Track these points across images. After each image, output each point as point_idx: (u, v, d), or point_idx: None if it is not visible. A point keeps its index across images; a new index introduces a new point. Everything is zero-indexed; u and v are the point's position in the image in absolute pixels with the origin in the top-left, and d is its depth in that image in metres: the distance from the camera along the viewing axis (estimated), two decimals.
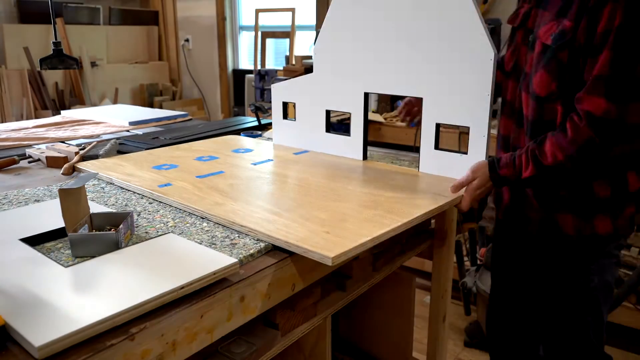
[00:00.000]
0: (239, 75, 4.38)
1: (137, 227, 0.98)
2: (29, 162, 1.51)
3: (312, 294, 1.04)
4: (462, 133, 2.45)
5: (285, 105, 1.62)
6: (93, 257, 0.83)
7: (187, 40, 4.64)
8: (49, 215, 1.00)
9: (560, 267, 1.25)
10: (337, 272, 1.17)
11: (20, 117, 3.71)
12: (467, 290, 2.28)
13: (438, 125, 1.30)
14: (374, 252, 1.26)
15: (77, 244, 0.83)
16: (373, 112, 2.90)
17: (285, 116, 1.62)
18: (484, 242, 2.44)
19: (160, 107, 4.21)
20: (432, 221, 1.54)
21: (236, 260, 0.82)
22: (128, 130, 1.93)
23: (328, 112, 1.52)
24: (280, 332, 0.98)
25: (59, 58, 1.90)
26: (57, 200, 0.88)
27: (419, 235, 1.49)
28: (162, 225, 0.99)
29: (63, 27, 3.95)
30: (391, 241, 1.33)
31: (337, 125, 2.40)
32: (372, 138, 2.71)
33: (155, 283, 0.73)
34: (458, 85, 1.25)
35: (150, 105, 4.37)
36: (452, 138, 2.50)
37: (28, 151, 1.55)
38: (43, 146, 1.63)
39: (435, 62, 1.26)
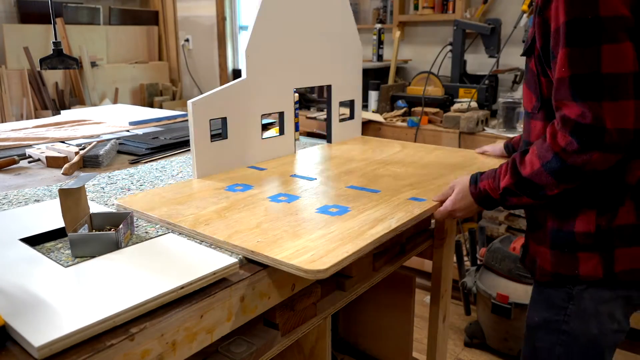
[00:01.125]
0: (239, 75, 4.35)
1: (137, 227, 0.98)
2: (29, 162, 1.51)
3: (312, 294, 1.04)
4: (462, 133, 2.45)
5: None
6: (93, 257, 0.83)
7: (187, 40, 4.64)
8: (49, 215, 1.00)
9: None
10: (337, 271, 1.17)
11: (20, 117, 3.71)
12: (467, 290, 2.28)
13: (339, 103, 1.70)
14: (374, 252, 1.26)
15: (77, 243, 0.83)
16: (373, 112, 2.90)
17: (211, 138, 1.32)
18: (484, 242, 2.44)
19: (161, 107, 4.20)
20: (432, 221, 1.54)
21: (236, 260, 0.82)
22: (128, 130, 1.93)
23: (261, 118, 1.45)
24: (280, 332, 0.98)
25: (59, 58, 1.90)
26: (57, 200, 0.88)
27: (419, 235, 1.49)
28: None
29: (63, 27, 3.95)
30: (391, 241, 1.33)
31: None
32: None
33: (155, 283, 0.73)
34: (348, 71, 1.71)
35: (150, 105, 4.37)
36: (453, 138, 2.51)
37: (28, 151, 1.55)
38: (43, 146, 1.63)
39: (336, 57, 1.64)
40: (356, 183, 1.23)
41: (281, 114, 1.50)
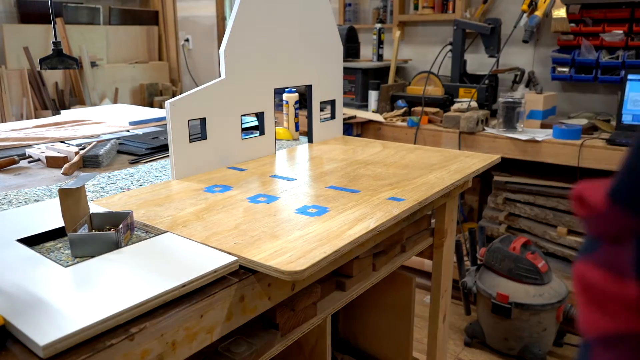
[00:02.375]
0: None
1: (137, 226, 0.98)
2: (29, 162, 1.51)
3: (312, 294, 1.04)
4: (462, 132, 2.45)
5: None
6: (93, 256, 0.83)
7: (187, 40, 4.64)
8: (49, 215, 1.00)
9: None
10: (337, 271, 1.17)
11: (20, 117, 3.71)
12: (467, 290, 2.28)
13: (320, 103, 1.71)
14: (374, 252, 1.26)
15: (76, 243, 0.83)
16: (373, 111, 2.90)
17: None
18: (484, 242, 2.44)
19: (161, 107, 4.21)
20: (433, 221, 1.54)
21: (236, 258, 0.82)
22: (128, 130, 1.93)
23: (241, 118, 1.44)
24: (280, 332, 0.98)
25: (59, 58, 1.90)
26: (57, 200, 0.88)
27: (419, 235, 1.49)
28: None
29: (63, 27, 3.95)
30: (391, 241, 1.33)
31: None
32: (373, 137, 2.71)
33: (156, 282, 0.73)
34: (328, 71, 1.71)
35: (151, 105, 4.37)
36: (453, 138, 2.50)
37: (28, 151, 1.55)
38: (43, 146, 1.63)
39: (316, 57, 1.64)
40: (336, 183, 1.22)
41: (261, 114, 1.49)
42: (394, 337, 1.70)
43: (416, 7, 3.20)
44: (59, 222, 0.95)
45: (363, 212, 1.01)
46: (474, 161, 1.42)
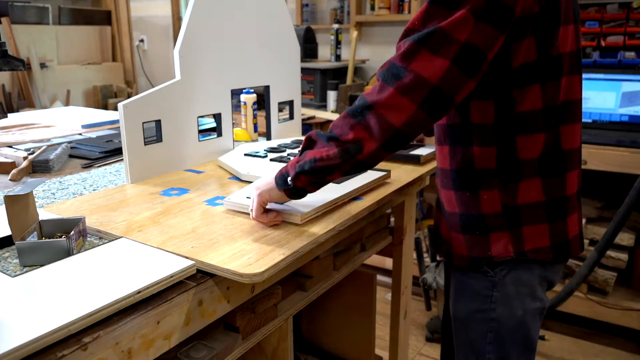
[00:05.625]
0: None
1: (90, 233, 0.95)
2: None
3: (272, 296, 1.03)
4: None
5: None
6: (42, 265, 0.80)
7: (141, 40, 4.54)
8: None
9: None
10: (298, 272, 1.17)
11: None
12: (427, 286, 2.33)
13: (278, 104, 1.71)
14: (334, 252, 1.27)
15: (25, 252, 0.80)
16: (332, 112, 2.92)
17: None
18: None
19: (115, 109, 4.09)
20: (392, 219, 1.56)
21: (193, 262, 0.80)
22: (80, 134, 1.87)
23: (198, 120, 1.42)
24: (241, 335, 0.97)
25: (4, 59, 1.82)
26: (3, 208, 0.85)
27: (379, 233, 1.51)
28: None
29: (9, 26, 3.79)
30: (351, 240, 1.34)
31: None
32: None
33: (110, 289, 0.71)
34: (286, 71, 1.70)
35: (105, 107, 4.26)
36: None
37: None
38: None
39: (273, 58, 1.63)
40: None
41: (218, 116, 1.48)
42: (356, 335, 1.72)
43: (372, 8, 3.23)
44: (6, 231, 0.91)
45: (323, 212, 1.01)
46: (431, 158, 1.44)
